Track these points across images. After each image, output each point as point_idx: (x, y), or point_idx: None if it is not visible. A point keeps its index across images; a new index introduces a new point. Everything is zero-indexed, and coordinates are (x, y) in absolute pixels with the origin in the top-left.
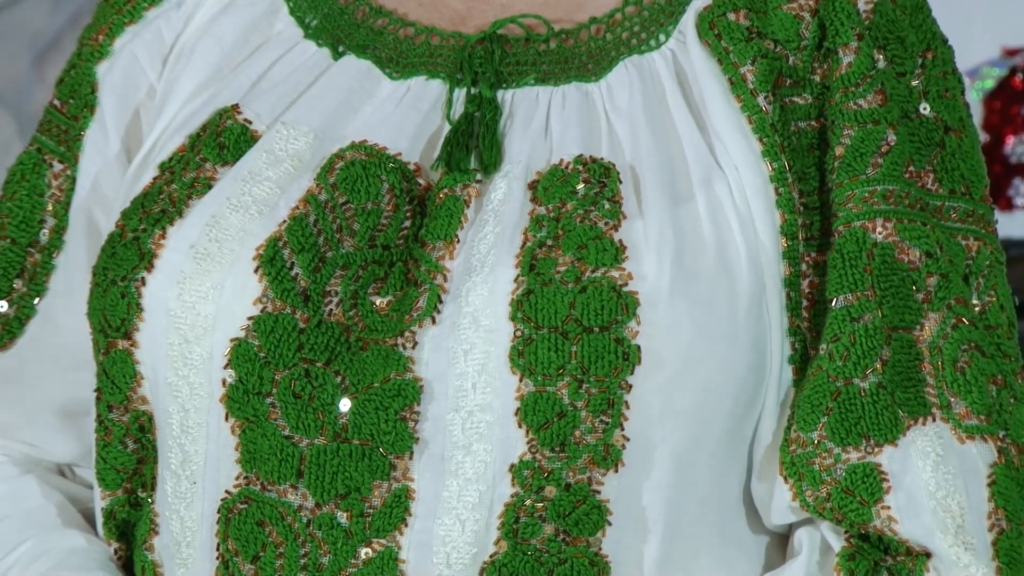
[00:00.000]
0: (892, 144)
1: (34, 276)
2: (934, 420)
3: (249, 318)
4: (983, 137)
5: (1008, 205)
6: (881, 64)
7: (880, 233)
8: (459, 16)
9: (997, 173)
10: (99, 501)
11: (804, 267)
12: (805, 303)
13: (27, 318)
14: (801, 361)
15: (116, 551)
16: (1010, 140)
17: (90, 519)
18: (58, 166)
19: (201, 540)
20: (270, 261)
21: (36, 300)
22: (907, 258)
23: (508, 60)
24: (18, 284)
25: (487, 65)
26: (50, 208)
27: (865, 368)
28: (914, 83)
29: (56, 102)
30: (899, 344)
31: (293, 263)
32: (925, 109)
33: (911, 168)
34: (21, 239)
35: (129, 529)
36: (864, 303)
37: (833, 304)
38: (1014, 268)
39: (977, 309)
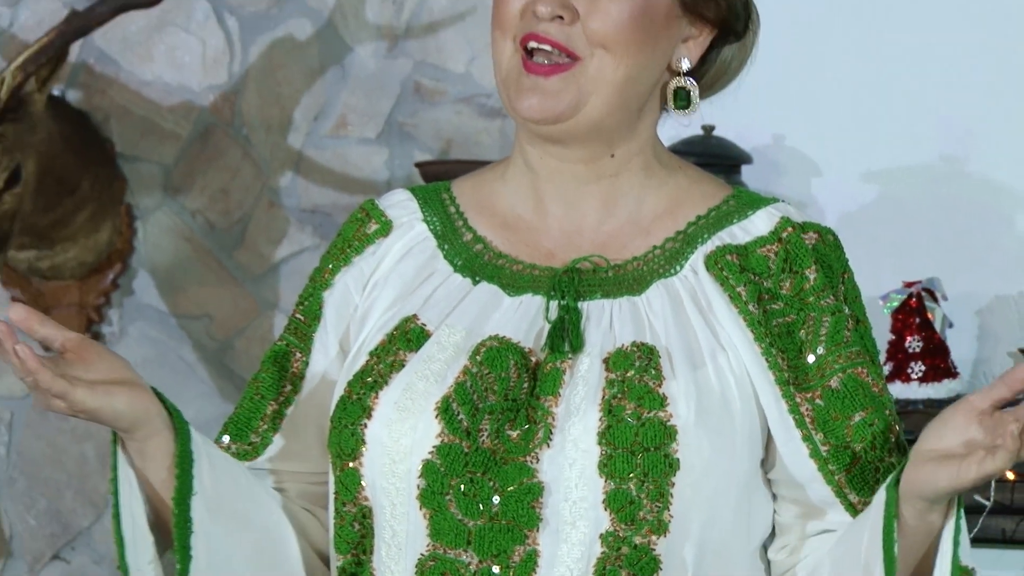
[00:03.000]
0: (852, 326)
1: (273, 419)
2: None
3: (433, 447)
4: (891, 336)
5: (907, 379)
6: (823, 279)
7: (864, 375)
8: (550, 255)
9: (900, 359)
10: (334, 562)
11: (799, 400)
12: (807, 418)
13: (268, 444)
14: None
15: None
16: (908, 338)
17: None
18: (298, 355)
19: None
20: (445, 411)
21: (274, 434)
22: (875, 390)
23: (583, 283)
24: (262, 424)
25: (570, 287)
26: (289, 380)
27: (883, 454)
28: (841, 292)
29: (299, 316)
30: (892, 443)
31: (459, 411)
32: (846, 308)
33: (859, 343)
34: (267, 395)
35: None
36: (870, 417)
37: (852, 418)
38: (909, 418)
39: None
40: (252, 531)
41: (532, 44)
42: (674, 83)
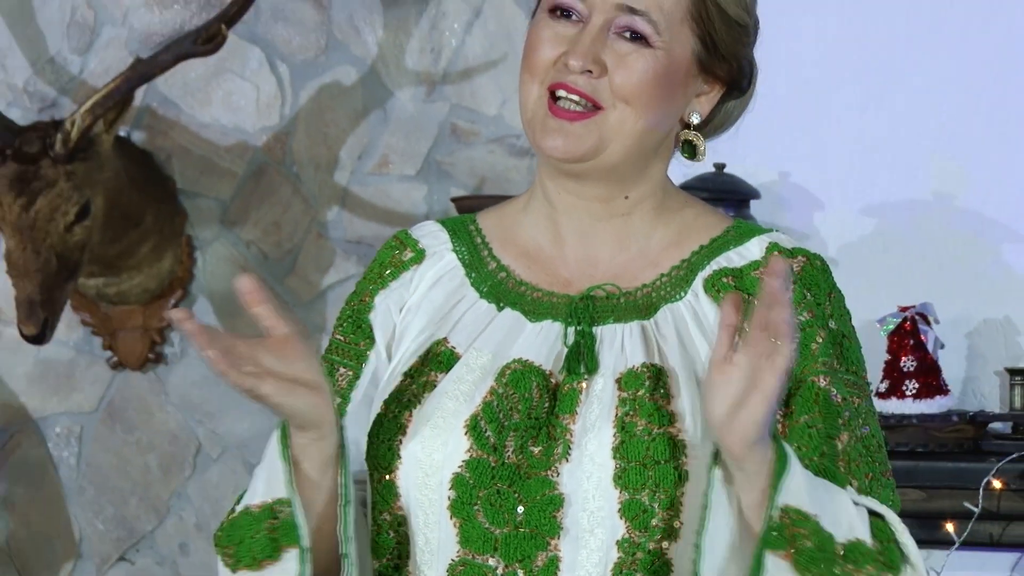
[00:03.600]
0: (821, 339)
1: None
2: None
3: (463, 461)
4: (887, 357)
5: (902, 395)
6: (808, 297)
7: (822, 383)
8: (567, 283)
9: (896, 377)
10: (372, 566)
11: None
12: (779, 417)
13: None
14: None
15: None
16: (903, 358)
17: None
18: (342, 370)
19: None
20: (473, 428)
21: None
22: (835, 399)
23: (597, 310)
24: None
25: (585, 313)
26: (338, 386)
27: (813, 454)
28: (826, 310)
29: (339, 336)
30: (829, 446)
31: (487, 429)
32: (832, 324)
33: (839, 351)
34: None
35: None
36: (814, 420)
37: (798, 420)
38: (904, 432)
39: (863, 431)
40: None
41: (561, 93)
42: (684, 135)
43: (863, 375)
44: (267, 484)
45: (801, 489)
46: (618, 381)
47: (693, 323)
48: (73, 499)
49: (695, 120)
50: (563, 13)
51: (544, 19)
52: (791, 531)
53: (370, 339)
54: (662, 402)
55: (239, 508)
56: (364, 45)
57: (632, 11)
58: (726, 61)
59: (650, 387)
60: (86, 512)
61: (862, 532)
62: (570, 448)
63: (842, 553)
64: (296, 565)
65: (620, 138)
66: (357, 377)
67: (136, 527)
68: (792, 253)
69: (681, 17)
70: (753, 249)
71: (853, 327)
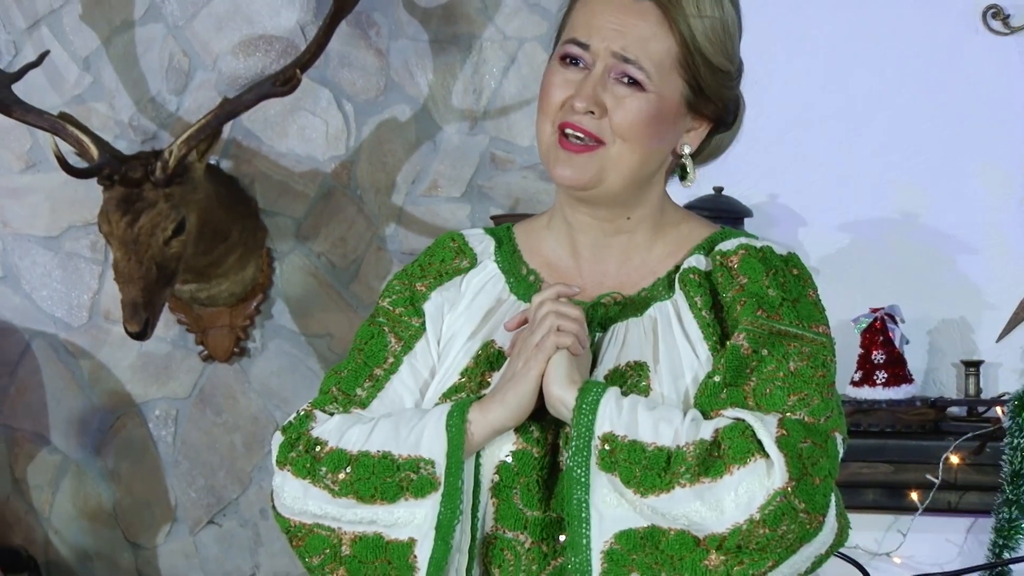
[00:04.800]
0: (741, 307)
1: (376, 382)
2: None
3: (510, 451)
4: (860, 351)
5: (873, 384)
6: (740, 279)
7: (737, 340)
8: (582, 291)
9: (868, 368)
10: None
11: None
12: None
13: (373, 399)
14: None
15: None
16: (874, 352)
17: None
18: (393, 340)
19: (475, 557)
20: (523, 428)
21: (378, 393)
22: (744, 351)
23: (605, 312)
24: (367, 382)
25: (595, 317)
26: (390, 353)
27: (714, 398)
28: (763, 284)
29: (390, 307)
30: (731, 391)
31: (531, 425)
32: (771, 292)
33: (767, 312)
34: (371, 363)
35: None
36: (716, 372)
37: (714, 378)
38: (875, 415)
39: (790, 367)
40: None
41: (569, 131)
42: (677, 162)
43: (811, 326)
44: (421, 444)
45: (610, 418)
46: (606, 378)
47: (676, 320)
48: (170, 471)
49: (687, 151)
50: (572, 61)
51: (556, 66)
52: (609, 448)
53: (421, 321)
54: (645, 387)
55: (374, 451)
56: (417, 87)
57: (625, 60)
58: (712, 102)
59: (632, 384)
60: (180, 482)
61: (669, 440)
62: None
63: (650, 452)
64: (436, 506)
65: (618, 169)
66: (407, 350)
67: (223, 495)
68: (760, 249)
69: (670, 65)
70: (728, 247)
71: (811, 294)
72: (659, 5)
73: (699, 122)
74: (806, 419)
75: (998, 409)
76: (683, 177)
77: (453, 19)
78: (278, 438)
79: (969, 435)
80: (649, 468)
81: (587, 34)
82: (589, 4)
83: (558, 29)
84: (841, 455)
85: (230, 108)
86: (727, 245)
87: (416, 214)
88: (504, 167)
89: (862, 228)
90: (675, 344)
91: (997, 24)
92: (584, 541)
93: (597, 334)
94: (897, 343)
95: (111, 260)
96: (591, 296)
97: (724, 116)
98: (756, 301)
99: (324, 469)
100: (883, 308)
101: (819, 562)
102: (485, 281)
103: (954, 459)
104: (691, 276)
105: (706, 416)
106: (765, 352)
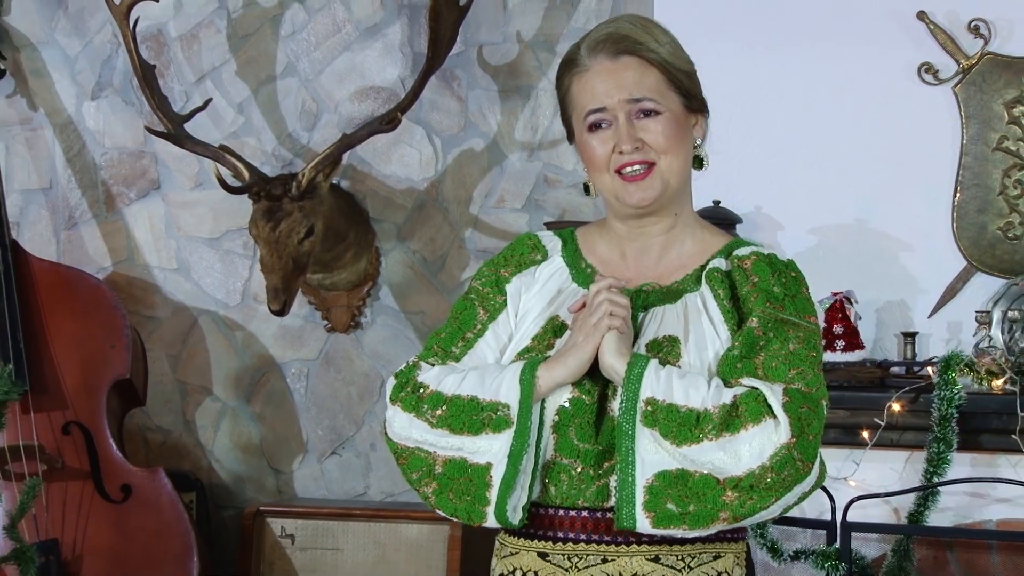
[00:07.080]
0: (755, 299)
1: (467, 342)
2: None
3: (568, 399)
4: (824, 324)
5: (834, 350)
6: (753, 278)
7: (751, 324)
8: (629, 281)
9: (830, 338)
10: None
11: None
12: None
13: (464, 356)
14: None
15: None
16: (835, 326)
17: None
18: (482, 312)
19: (537, 478)
20: (578, 382)
21: (468, 351)
22: (756, 331)
23: (647, 298)
24: (461, 342)
25: (638, 300)
26: (479, 321)
27: (733, 368)
28: (770, 283)
29: (480, 287)
30: (745, 363)
31: (584, 379)
32: (776, 289)
33: (773, 304)
34: (464, 327)
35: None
36: (735, 347)
37: (734, 351)
38: (836, 373)
39: (790, 347)
40: None
41: (627, 170)
42: (694, 152)
43: (806, 317)
44: (500, 391)
45: (652, 385)
46: (647, 347)
47: (702, 308)
48: (302, 415)
49: (699, 142)
50: (597, 126)
51: (588, 136)
52: (651, 409)
53: (503, 299)
54: (673, 360)
55: (464, 395)
56: (488, 124)
57: (636, 100)
58: (696, 98)
59: (667, 352)
60: (310, 423)
61: (698, 403)
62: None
63: (683, 412)
64: (509, 439)
65: (673, 173)
66: (492, 319)
67: (342, 433)
68: (767, 256)
69: (664, 87)
70: (743, 252)
71: (805, 292)
72: (633, 54)
73: (696, 117)
74: (803, 389)
75: (929, 369)
76: (699, 167)
77: (516, 74)
78: (391, 381)
79: (907, 388)
80: (683, 425)
81: (599, 101)
82: (584, 79)
83: (562, 106)
84: (824, 417)
85: (348, 141)
86: (742, 251)
87: (487, 221)
88: (554, 185)
89: (827, 231)
90: (701, 325)
91: (929, 77)
92: (630, 479)
93: (640, 314)
94: (852, 319)
95: (258, 256)
96: (635, 285)
97: (704, 106)
98: (765, 295)
99: (425, 406)
100: (842, 292)
101: (803, 497)
102: (553, 271)
103: (896, 406)
104: (715, 274)
105: (725, 382)
106: (772, 335)
